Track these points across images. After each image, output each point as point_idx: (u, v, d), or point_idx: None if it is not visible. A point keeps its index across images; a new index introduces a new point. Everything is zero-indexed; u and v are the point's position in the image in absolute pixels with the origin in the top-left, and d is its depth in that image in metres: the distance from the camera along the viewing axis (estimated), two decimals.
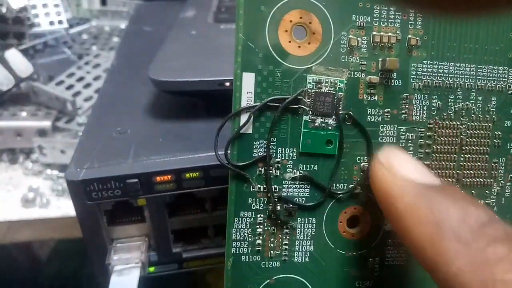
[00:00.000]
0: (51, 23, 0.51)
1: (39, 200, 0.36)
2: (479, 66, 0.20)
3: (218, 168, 0.24)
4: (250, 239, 0.19)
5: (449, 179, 0.21)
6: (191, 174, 0.25)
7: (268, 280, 0.20)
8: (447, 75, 0.20)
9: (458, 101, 0.20)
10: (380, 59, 0.19)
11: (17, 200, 0.36)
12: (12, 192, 0.37)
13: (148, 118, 0.30)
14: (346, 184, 0.20)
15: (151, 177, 0.24)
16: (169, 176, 0.24)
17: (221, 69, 0.27)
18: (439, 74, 0.20)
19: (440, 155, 0.20)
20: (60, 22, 0.52)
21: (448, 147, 0.20)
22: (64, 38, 0.51)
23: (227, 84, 0.27)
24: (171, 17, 0.41)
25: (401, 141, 0.20)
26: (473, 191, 0.21)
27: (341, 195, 0.20)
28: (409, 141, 0.20)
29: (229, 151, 0.19)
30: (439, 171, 0.21)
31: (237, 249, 0.20)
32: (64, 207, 0.36)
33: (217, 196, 0.27)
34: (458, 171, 0.21)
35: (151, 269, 0.28)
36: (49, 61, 0.48)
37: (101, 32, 0.55)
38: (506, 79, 0.20)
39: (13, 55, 0.43)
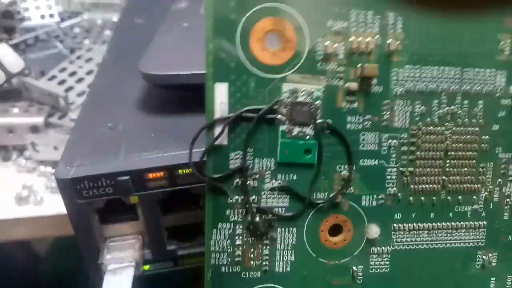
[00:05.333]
0: (42, 16, 0.50)
1: (33, 198, 0.36)
2: (464, 69, 0.19)
3: None
4: (229, 250, 0.19)
5: (435, 185, 0.20)
6: (184, 170, 0.24)
7: None
8: (430, 79, 0.19)
9: (442, 106, 0.19)
10: (358, 65, 0.18)
11: (11, 198, 0.36)
12: (6, 190, 0.37)
13: (140, 113, 0.29)
14: (327, 193, 0.19)
15: (143, 174, 0.24)
16: (162, 173, 0.24)
17: None
18: (422, 79, 0.19)
19: (425, 161, 0.20)
20: (51, 15, 0.51)
21: (433, 153, 0.20)
22: (55, 32, 0.50)
23: None
24: (164, 9, 0.40)
25: (383, 148, 0.19)
26: (460, 197, 0.20)
27: (321, 204, 0.19)
28: (391, 148, 0.19)
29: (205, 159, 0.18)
30: (424, 177, 0.20)
31: (216, 260, 0.19)
32: (58, 204, 0.35)
33: None
34: (444, 177, 0.20)
35: (146, 267, 0.27)
36: (40, 56, 0.47)
37: (93, 26, 0.54)
38: (493, 82, 0.20)
39: (4, 50, 0.42)
